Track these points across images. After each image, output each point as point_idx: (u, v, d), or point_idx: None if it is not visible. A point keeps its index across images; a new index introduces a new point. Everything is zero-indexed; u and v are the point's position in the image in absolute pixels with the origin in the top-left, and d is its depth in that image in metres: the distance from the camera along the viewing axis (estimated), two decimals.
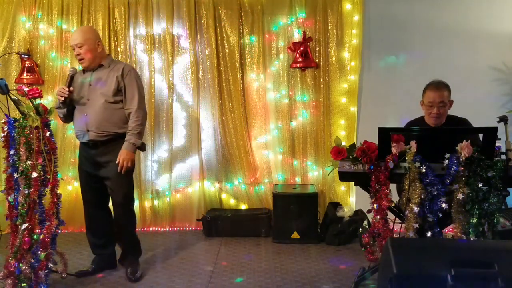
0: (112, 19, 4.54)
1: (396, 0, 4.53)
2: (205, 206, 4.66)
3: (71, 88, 3.21)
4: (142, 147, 3.34)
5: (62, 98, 3.18)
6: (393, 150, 2.72)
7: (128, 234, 3.46)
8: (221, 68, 4.61)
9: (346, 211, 4.27)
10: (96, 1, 4.52)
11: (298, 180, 4.67)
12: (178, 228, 4.67)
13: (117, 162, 3.19)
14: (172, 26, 4.57)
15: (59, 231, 2.92)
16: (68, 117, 3.40)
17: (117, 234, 3.50)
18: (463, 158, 2.60)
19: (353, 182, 3.16)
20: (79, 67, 3.44)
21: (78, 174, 3.49)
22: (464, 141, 2.62)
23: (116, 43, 4.57)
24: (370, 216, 2.91)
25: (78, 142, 4.44)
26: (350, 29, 4.53)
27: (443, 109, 3.10)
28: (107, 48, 4.50)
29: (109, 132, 3.24)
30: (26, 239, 2.73)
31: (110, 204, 3.46)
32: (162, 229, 4.63)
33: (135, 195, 4.57)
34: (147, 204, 4.65)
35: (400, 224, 2.79)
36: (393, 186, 2.83)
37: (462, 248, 2.21)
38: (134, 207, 4.53)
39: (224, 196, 4.73)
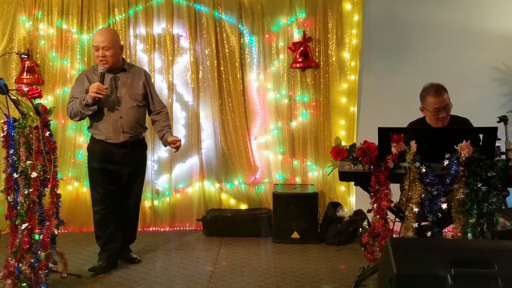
0: (112, 19, 4.54)
1: (396, 0, 4.53)
2: (205, 206, 4.66)
3: (106, 86, 3.30)
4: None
5: (100, 95, 3.23)
6: (393, 150, 2.72)
7: (135, 222, 3.74)
8: (221, 68, 4.61)
9: (346, 211, 4.27)
10: (96, 1, 4.50)
11: (298, 180, 4.67)
12: (178, 228, 4.66)
13: (177, 142, 3.49)
14: (172, 26, 4.56)
15: (59, 231, 2.92)
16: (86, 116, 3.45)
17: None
18: (463, 158, 2.60)
19: (353, 182, 3.16)
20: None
21: (92, 174, 3.49)
22: (464, 141, 2.62)
23: None
24: (370, 216, 2.91)
25: (78, 142, 4.54)
26: (350, 29, 4.53)
27: (449, 110, 3.12)
28: None
29: (139, 132, 3.50)
30: (26, 239, 2.73)
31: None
32: (162, 229, 4.62)
33: None
34: (147, 204, 4.64)
35: (400, 224, 2.79)
36: (395, 186, 2.82)
37: (462, 248, 2.22)
38: None
39: (224, 196, 4.72)
